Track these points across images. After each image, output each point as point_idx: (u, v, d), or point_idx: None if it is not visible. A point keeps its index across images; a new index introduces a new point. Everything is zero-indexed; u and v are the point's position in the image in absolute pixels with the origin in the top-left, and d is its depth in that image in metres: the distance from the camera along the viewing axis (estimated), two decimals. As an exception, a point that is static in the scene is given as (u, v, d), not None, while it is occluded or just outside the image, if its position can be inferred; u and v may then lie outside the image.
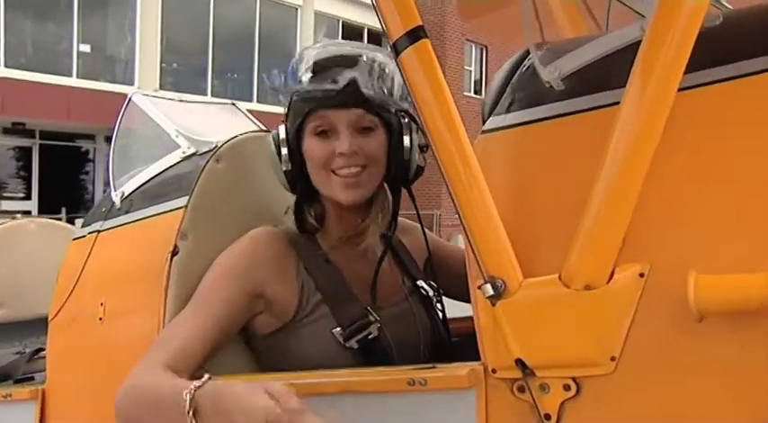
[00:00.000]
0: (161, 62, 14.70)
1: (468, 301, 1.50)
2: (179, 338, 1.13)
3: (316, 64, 1.20)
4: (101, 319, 1.41)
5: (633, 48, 0.96)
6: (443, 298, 1.42)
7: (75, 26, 13.84)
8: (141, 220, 1.45)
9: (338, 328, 1.20)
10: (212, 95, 14.50)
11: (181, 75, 15.48)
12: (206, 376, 1.00)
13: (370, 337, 1.21)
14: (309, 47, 1.26)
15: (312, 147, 1.22)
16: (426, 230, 1.44)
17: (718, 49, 0.88)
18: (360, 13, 17.81)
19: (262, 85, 16.52)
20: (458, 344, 1.38)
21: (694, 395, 0.85)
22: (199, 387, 0.98)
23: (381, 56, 1.23)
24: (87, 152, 15.40)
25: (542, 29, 1.67)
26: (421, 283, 1.40)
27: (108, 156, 1.65)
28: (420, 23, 0.98)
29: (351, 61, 1.20)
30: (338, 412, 1.03)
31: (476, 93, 19.81)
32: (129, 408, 1.07)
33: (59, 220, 4.65)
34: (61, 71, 13.55)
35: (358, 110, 1.19)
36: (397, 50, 0.99)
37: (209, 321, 1.15)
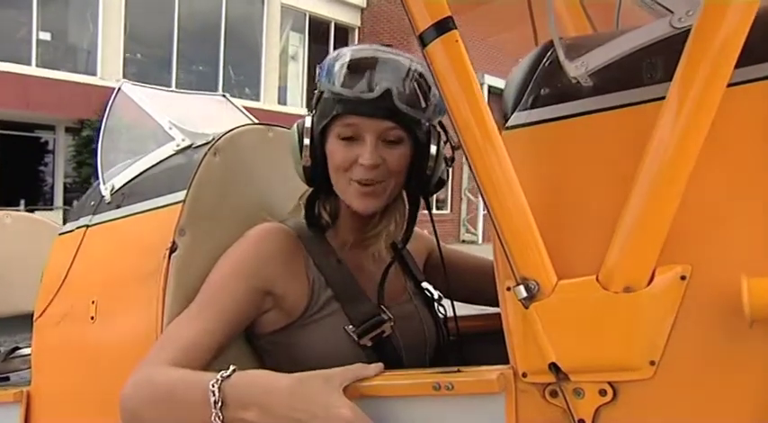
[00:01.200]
0: (124, 52, 14.37)
1: (467, 302, 1.50)
2: (185, 338, 1.10)
3: (352, 68, 1.15)
4: (92, 317, 1.35)
5: (662, 44, 0.94)
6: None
7: (34, 13, 13.44)
8: (135, 215, 1.39)
9: (350, 326, 1.18)
10: (177, 87, 14.23)
11: (145, 65, 15.15)
12: (231, 368, 0.99)
13: (384, 335, 1.19)
14: (351, 48, 1.21)
15: (335, 149, 1.18)
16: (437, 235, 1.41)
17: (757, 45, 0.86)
18: (327, 7, 17.68)
19: (227, 78, 16.33)
20: (459, 344, 1.36)
21: (737, 402, 0.83)
22: (227, 376, 0.97)
23: (421, 69, 1.18)
24: (47, 143, 15.00)
25: (536, 27, 1.67)
26: (425, 284, 1.40)
27: (97, 148, 1.58)
28: (449, 14, 0.95)
29: (389, 69, 1.16)
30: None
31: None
32: (139, 404, 1.04)
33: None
34: (20, 59, 13.13)
35: (388, 122, 1.15)
36: (423, 42, 0.95)
37: (217, 321, 1.12)
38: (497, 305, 0.99)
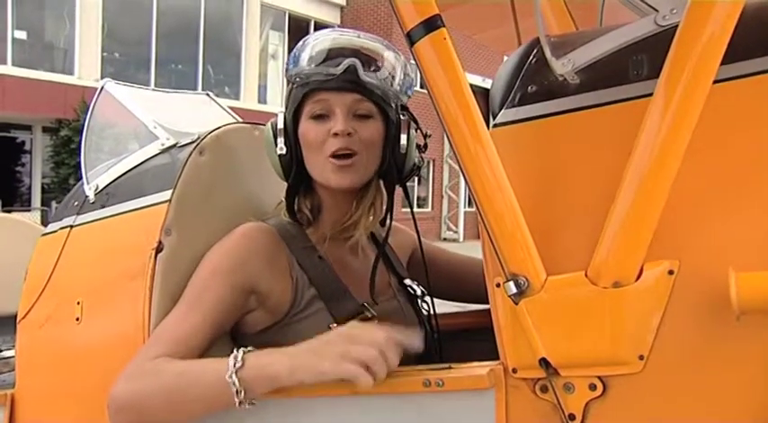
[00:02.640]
0: (102, 51, 14.23)
1: (453, 300, 1.51)
2: (173, 336, 1.10)
3: (318, 51, 1.20)
4: (78, 318, 1.34)
5: (648, 41, 0.95)
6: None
7: (9, 11, 13.27)
8: (120, 215, 1.38)
9: (335, 324, 1.18)
10: (155, 87, 14.10)
11: (123, 65, 15.03)
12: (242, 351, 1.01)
13: None
14: (313, 34, 1.26)
15: (308, 129, 1.21)
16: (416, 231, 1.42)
17: (745, 41, 0.87)
18: (307, 5, 17.64)
19: (206, 77, 16.23)
20: (439, 341, 1.36)
21: (725, 395, 0.84)
22: (249, 350, 1.00)
23: (382, 47, 1.24)
24: (23, 143, 14.81)
25: (518, 24, 1.68)
26: (408, 281, 1.40)
27: (81, 147, 1.57)
28: (437, 12, 0.95)
29: (352, 50, 1.20)
30: (350, 414, 1.00)
31: (422, 87, 19.93)
32: (143, 395, 1.04)
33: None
34: (-6, 58, 13.02)
35: (356, 95, 1.19)
36: (411, 41, 0.96)
37: (204, 319, 1.12)
38: (484, 302, 1.00)
